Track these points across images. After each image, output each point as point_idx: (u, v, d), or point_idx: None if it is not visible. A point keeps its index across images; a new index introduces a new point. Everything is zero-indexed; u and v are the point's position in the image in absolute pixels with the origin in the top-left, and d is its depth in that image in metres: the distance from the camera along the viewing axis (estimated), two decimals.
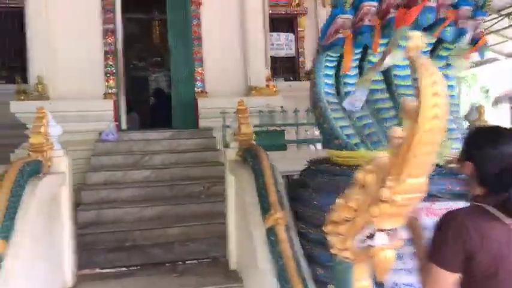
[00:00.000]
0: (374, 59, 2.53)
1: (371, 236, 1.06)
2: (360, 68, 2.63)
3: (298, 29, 8.86)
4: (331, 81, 2.69)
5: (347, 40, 2.43)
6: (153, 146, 5.84)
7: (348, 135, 2.52)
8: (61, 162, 3.28)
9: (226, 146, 4.12)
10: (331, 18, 2.52)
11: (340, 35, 2.44)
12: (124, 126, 6.43)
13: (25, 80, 6.40)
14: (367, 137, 2.49)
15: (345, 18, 2.45)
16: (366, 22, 2.38)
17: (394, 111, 2.51)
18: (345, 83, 2.64)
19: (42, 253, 2.82)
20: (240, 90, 6.64)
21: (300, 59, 8.83)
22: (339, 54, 2.58)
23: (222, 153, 5.78)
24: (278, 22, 8.70)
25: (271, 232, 2.42)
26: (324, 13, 8.42)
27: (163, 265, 3.69)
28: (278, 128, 6.05)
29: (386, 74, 2.60)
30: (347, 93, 2.61)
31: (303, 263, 2.29)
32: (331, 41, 2.49)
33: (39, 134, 3.13)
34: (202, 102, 6.43)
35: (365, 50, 2.56)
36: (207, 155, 5.80)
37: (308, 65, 8.78)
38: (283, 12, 8.71)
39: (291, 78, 8.64)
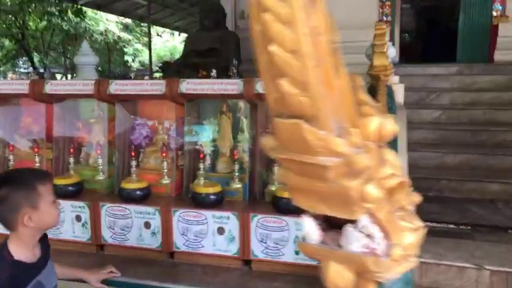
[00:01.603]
0: None
1: None
2: None
3: None
4: None
5: None
6: (438, 83, 4.93)
7: None
8: (400, 92, 2.75)
9: None
10: None
11: None
12: (397, 59, 5.68)
13: None
14: None
15: None
16: None
17: None
18: None
19: None
20: None
21: None
22: None
23: None
24: None
25: None
26: None
27: (504, 231, 2.90)
28: None
29: None
30: None
31: None
32: None
33: (382, 54, 2.63)
34: (503, 29, 5.04)
35: None
36: None
37: None
38: None
39: None
